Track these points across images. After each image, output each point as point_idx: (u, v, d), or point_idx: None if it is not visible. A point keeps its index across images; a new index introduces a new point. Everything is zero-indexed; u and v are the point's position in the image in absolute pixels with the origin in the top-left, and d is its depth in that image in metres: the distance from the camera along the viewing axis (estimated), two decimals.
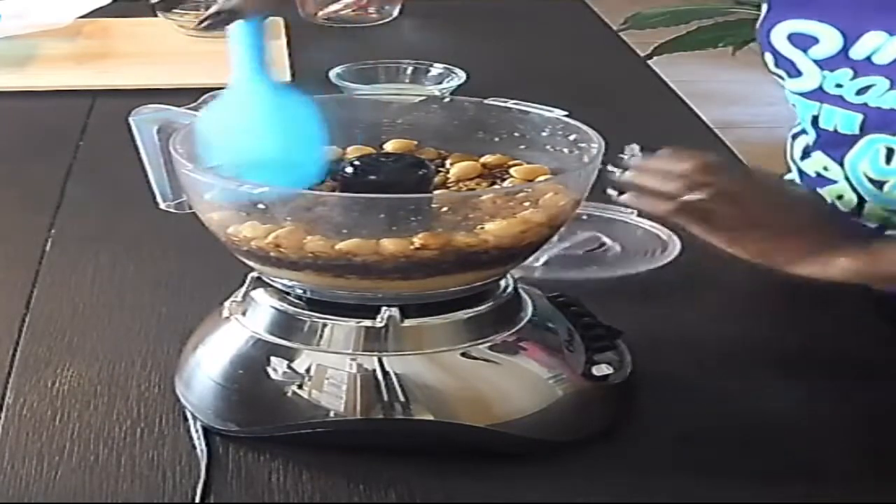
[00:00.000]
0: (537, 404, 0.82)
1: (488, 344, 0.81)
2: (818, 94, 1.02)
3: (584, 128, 0.85)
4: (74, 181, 1.25)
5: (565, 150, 0.86)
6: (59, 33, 1.69)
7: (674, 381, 0.90)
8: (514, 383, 0.83)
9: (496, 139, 0.89)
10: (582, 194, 0.80)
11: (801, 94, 1.04)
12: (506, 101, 0.89)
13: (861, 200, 1.02)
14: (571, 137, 0.86)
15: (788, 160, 1.12)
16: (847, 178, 1.03)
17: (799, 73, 1.02)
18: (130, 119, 0.86)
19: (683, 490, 0.79)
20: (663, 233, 1.03)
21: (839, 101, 1.01)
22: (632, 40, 1.93)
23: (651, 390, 0.87)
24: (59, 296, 1.01)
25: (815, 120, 1.05)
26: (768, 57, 1.05)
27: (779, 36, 1.02)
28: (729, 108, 3.62)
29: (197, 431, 0.82)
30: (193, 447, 0.81)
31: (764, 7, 1.06)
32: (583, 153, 0.84)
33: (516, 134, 0.88)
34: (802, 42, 1.01)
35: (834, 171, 1.04)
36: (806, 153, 1.08)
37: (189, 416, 0.84)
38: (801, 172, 1.09)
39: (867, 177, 1.01)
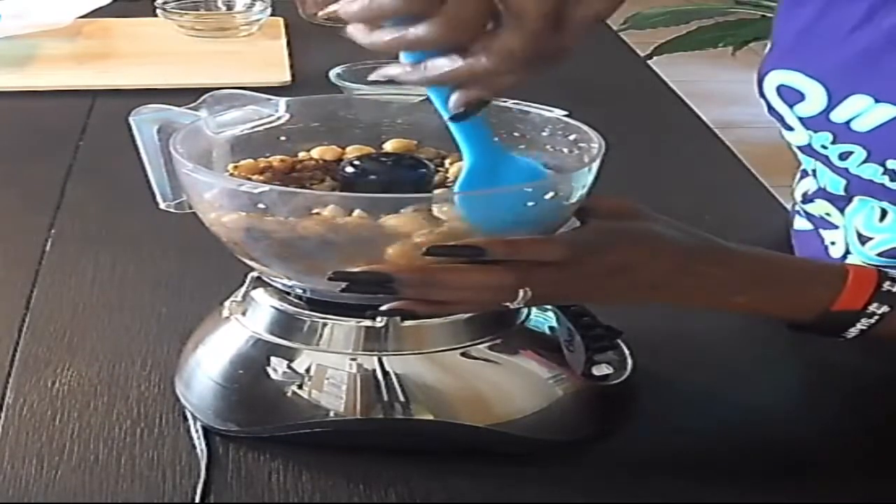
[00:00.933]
0: (537, 404, 0.82)
1: (488, 344, 0.81)
2: (809, 151, 0.98)
3: (584, 128, 0.85)
4: (74, 181, 1.25)
5: (565, 150, 0.86)
6: (59, 33, 1.69)
7: (674, 381, 0.90)
8: (514, 383, 0.83)
9: (495, 139, 0.88)
10: (583, 195, 0.80)
11: (797, 147, 1.00)
12: (506, 101, 0.89)
13: (847, 251, 1.01)
14: (571, 137, 0.86)
15: (793, 191, 1.10)
16: (845, 227, 1.01)
17: (790, 128, 0.98)
18: (130, 119, 0.86)
19: (683, 490, 0.79)
20: None
21: (826, 161, 0.97)
22: (632, 40, 1.93)
23: (651, 390, 0.87)
24: (59, 296, 1.01)
25: (814, 173, 1.02)
26: (762, 101, 1.01)
27: (770, 85, 0.98)
28: (729, 108, 3.62)
29: (197, 431, 0.82)
30: (193, 447, 0.81)
31: (768, 46, 1.02)
32: (583, 153, 0.83)
33: (516, 134, 0.88)
34: (790, 97, 0.96)
35: (836, 218, 1.02)
36: (807, 198, 1.05)
37: (189, 416, 0.84)
38: (806, 212, 1.07)
39: (857, 231, 0.99)
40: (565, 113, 0.87)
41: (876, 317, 0.81)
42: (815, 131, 0.95)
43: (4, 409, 0.85)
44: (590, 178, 0.80)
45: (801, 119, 0.96)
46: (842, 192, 0.99)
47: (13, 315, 0.98)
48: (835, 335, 0.83)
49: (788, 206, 1.20)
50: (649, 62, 2.01)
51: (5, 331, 0.95)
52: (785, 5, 1.00)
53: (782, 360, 0.94)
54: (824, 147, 0.96)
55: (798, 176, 1.09)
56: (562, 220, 0.80)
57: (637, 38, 2.24)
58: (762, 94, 1.00)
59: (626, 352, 0.86)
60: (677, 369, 0.91)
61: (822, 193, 1.03)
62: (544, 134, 0.87)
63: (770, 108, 1.00)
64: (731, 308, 0.82)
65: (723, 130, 1.49)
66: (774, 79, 0.97)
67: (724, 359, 0.94)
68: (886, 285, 0.81)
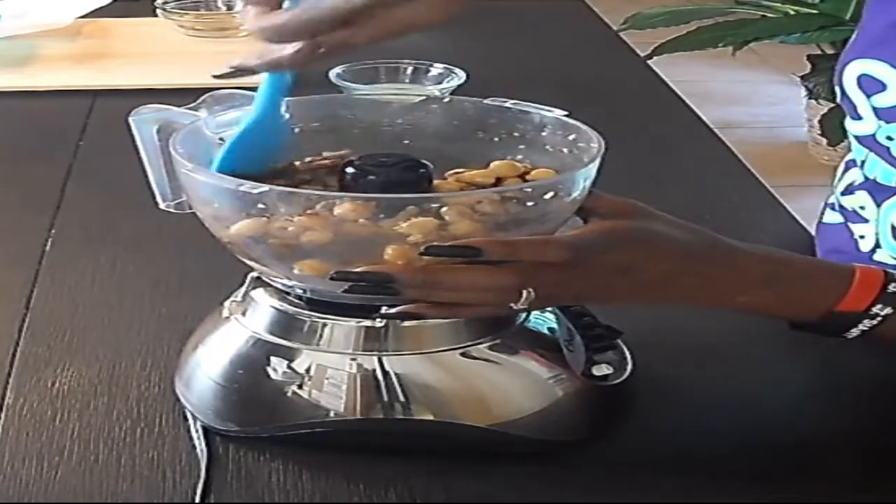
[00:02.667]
0: (537, 404, 0.82)
1: (488, 344, 0.81)
2: (870, 142, 0.99)
3: (584, 128, 0.85)
4: (74, 181, 1.25)
5: (565, 150, 0.86)
6: (59, 33, 1.69)
7: (674, 381, 0.90)
8: (514, 383, 0.83)
9: (496, 139, 0.88)
10: (582, 194, 0.80)
11: (856, 137, 1.01)
12: (505, 101, 0.89)
13: (877, 245, 1.01)
14: (571, 137, 0.86)
15: (834, 185, 1.09)
16: (877, 221, 1.01)
17: (859, 118, 0.99)
18: (130, 119, 0.86)
19: (683, 490, 0.79)
20: None
21: (886, 153, 0.97)
22: (632, 40, 1.94)
23: (651, 390, 0.87)
24: (59, 296, 1.01)
25: (862, 164, 1.03)
26: (837, 90, 1.02)
27: (850, 74, 0.98)
28: (729, 108, 3.63)
29: (197, 431, 0.82)
30: (193, 447, 0.81)
31: (853, 36, 1.02)
32: (582, 153, 0.83)
33: (516, 134, 0.88)
34: (870, 86, 0.96)
35: (869, 211, 1.02)
36: (849, 190, 1.05)
37: (189, 416, 0.84)
38: (840, 205, 1.07)
39: (892, 226, 0.99)
40: (565, 113, 0.87)
41: (878, 318, 0.81)
42: (888, 122, 0.96)
43: (4, 409, 0.85)
44: (589, 178, 0.80)
45: (875, 109, 0.97)
46: (892, 184, 0.99)
47: (13, 315, 0.98)
48: (836, 335, 0.83)
49: (788, 206, 1.20)
50: (649, 62, 2.01)
51: (5, 331, 0.95)
52: None
53: (783, 360, 0.94)
54: (890, 139, 0.96)
55: (842, 168, 1.09)
56: (561, 219, 0.80)
57: (637, 38, 2.24)
58: (839, 81, 1.00)
59: (626, 352, 0.86)
60: (677, 369, 0.91)
61: (866, 185, 1.03)
62: (544, 134, 0.87)
63: (843, 95, 1.00)
64: (735, 307, 0.82)
65: (723, 130, 1.49)
66: (857, 68, 0.98)
67: (724, 359, 0.94)
68: (892, 287, 0.81)
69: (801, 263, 0.85)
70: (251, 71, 0.82)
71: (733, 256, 0.82)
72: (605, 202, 0.80)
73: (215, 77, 0.84)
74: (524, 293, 0.75)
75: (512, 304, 0.75)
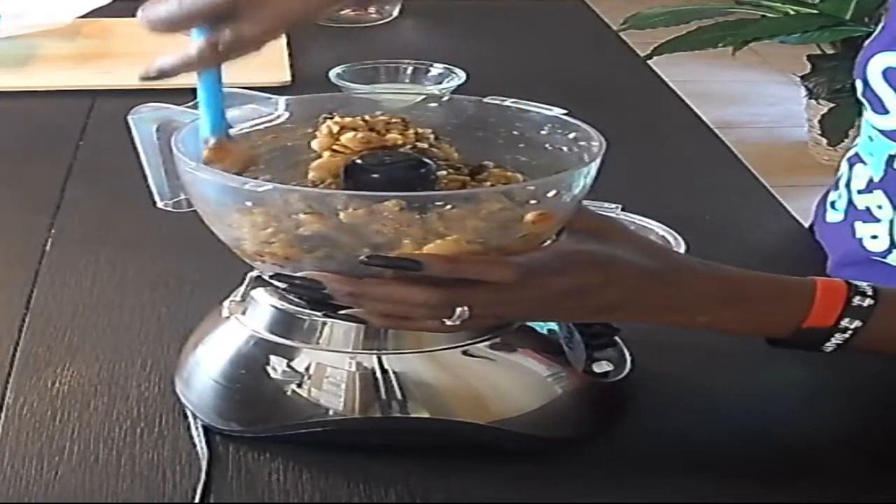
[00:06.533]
0: (537, 402, 0.82)
1: (488, 342, 0.81)
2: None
3: (584, 126, 0.85)
4: (74, 181, 1.25)
5: (564, 149, 0.86)
6: (59, 33, 1.69)
7: (674, 381, 0.90)
8: (513, 381, 0.83)
9: (495, 138, 0.88)
10: (582, 193, 0.80)
11: (882, 132, 1.00)
12: (504, 100, 0.89)
13: (893, 246, 1.00)
14: (571, 136, 0.86)
15: (842, 186, 1.08)
16: (891, 221, 1.00)
17: (885, 112, 0.98)
18: (129, 117, 0.86)
19: (683, 490, 0.79)
20: (659, 228, 1.01)
21: None
22: (632, 40, 1.93)
23: (651, 390, 0.87)
24: (59, 296, 1.01)
25: (890, 159, 1.01)
26: (858, 83, 1.01)
27: (875, 68, 0.98)
28: (729, 108, 3.63)
29: (197, 431, 0.82)
30: (193, 447, 0.81)
31: (877, 29, 1.01)
32: (582, 151, 0.83)
33: (515, 133, 0.88)
34: None
35: (885, 212, 1.01)
36: (868, 188, 1.04)
37: (189, 415, 0.84)
38: (850, 202, 1.06)
39: None
40: (564, 111, 0.87)
41: (849, 331, 0.81)
42: None
43: (4, 409, 0.85)
44: (590, 176, 0.80)
45: None
46: None
47: (13, 315, 0.98)
48: (812, 350, 0.83)
49: (788, 206, 1.20)
50: (649, 62, 2.01)
51: (5, 331, 0.95)
52: None
53: (783, 359, 0.94)
54: None
55: (845, 165, 1.08)
56: (563, 217, 0.80)
57: (637, 38, 2.24)
58: (862, 75, 1.00)
59: (626, 349, 0.86)
60: (676, 367, 0.91)
61: (885, 183, 1.01)
62: (543, 132, 0.87)
63: (867, 89, 1.00)
64: (697, 326, 0.82)
65: (723, 130, 1.49)
66: (882, 61, 0.98)
67: (724, 358, 0.93)
68: (857, 300, 0.81)
69: (761, 282, 0.84)
70: (172, 73, 0.81)
71: (689, 278, 0.81)
72: (581, 218, 0.80)
73: (142, 79, 0.81)
74: (458, 311, 0.75)
75: (445, 321, 0.75)
